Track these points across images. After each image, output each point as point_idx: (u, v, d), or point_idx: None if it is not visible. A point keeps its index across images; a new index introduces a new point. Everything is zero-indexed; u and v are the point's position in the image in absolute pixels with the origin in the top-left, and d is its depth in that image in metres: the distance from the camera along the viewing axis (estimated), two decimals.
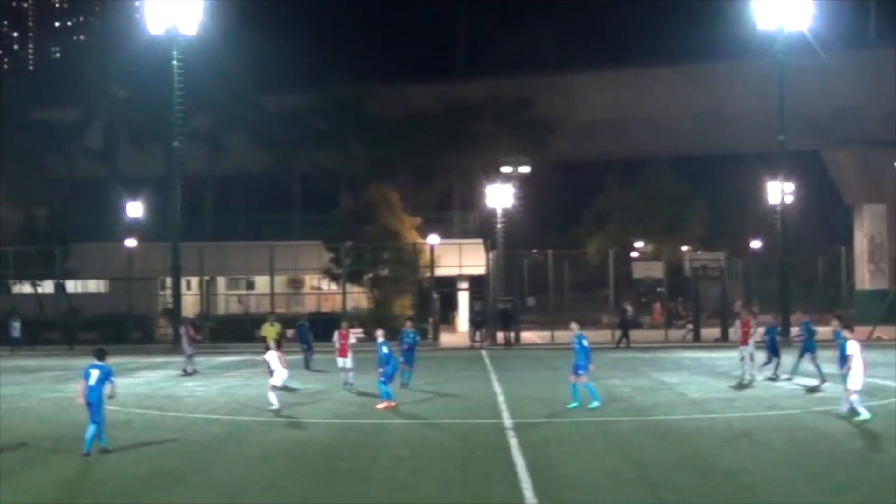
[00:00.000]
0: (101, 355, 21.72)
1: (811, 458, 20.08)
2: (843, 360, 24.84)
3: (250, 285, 73.79)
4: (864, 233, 77.86)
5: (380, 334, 29.55)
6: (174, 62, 55.25)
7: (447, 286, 68.80)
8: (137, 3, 66.38)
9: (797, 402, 29.03)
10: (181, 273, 58.57)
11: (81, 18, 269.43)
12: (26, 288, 66.92)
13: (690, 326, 61.16)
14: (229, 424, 25.80)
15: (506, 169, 66.51)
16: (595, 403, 27.10)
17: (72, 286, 67.69)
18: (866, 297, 71.63)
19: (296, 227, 72.72)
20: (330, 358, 34.36)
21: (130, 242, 64.05)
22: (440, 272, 64.68)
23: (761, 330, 36.56)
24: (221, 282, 73.20)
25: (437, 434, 24.11)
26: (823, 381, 32.45)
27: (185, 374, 40.25)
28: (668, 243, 79.38)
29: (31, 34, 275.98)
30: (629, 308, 59.84)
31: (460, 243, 67.35)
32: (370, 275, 63.98)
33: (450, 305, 72.77)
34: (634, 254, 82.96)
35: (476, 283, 67.84)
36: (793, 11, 53.93)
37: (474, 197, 72.35)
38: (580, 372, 27.40)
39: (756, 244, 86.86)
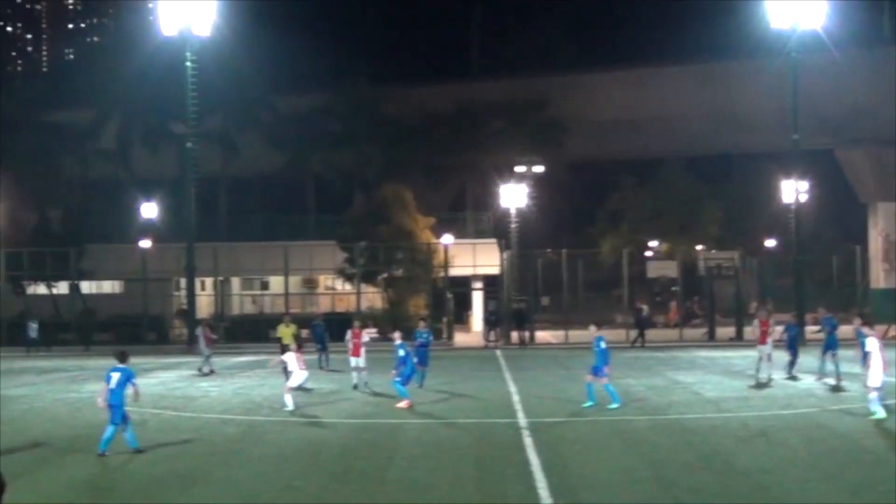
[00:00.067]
0: (122, 358, 21.79)
1: (827, 456, 20.05)
2: (866, 357, 24.82)
3: (265, 286, 73.82)
4: (879, 231, 77.59)
5: (397, 336, 29.49)
6: (188, 63, 55.26)
7: (461, 286, 68.78)
8: (151, 5, 66.58)
9: (812, 400, 28.97)
10: (195, 273, 58.70)
11: (95, 20, 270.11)
12: (41, 289, 67.01)
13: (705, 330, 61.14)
14: (244, 425, 25.84)
15: (520, 169, 66.59)
16: (614, 405, 27.06)
17: (86, 287, 67.76)
18: (881, 296, 71.30)
19: (310, 228, 72.77)
20: (345, 357, 34.37)
21: (145, 243, 64.20)
22: (454, 272, 64.63)
23: (779, 328, 36.46)
24: (236, 282, 73.27)
25: (452, 434, 24.12)
26: (840, 380, 32.36)
27: (202, 374, 40.36)
28: (682, 242, 79.09)
29: (44, 36, 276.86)
30: (645, 307, 59.73)
31: (474, 243, 67.26)
32: (384, 275, 63.94)
33: (464, 305, 72.72)
34: (648, 253, 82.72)
35: (490, 282, 67.77)
36: (806, 10, 53.77)
37: (488, 197, 72.27)
38: (598, 374, 27.41)
39: (770, 243, 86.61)
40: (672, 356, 47.67)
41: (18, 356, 52.40)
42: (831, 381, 32.64)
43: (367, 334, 34.61)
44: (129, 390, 21.43)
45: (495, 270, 65.63)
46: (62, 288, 66.95)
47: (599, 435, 23.34)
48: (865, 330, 25.32)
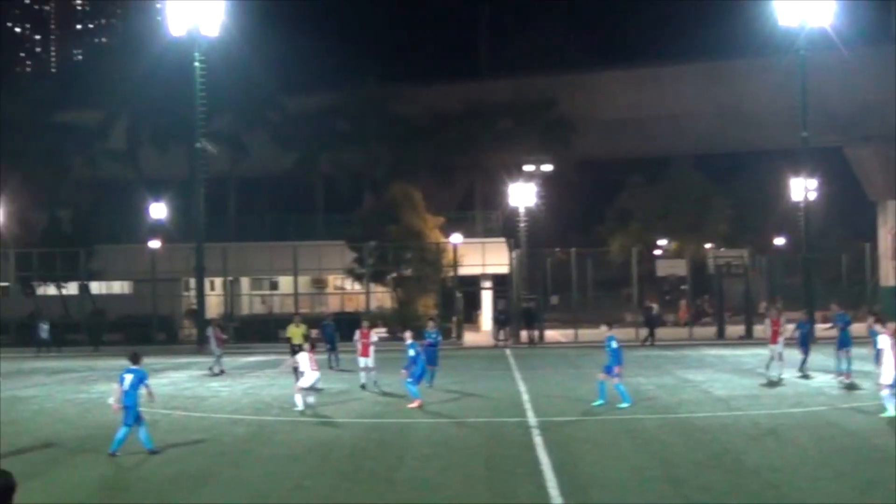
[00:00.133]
0: (135, 359, 21.82)
1: (837, 454, 20.01)
2: (878, 355, 24.83)
3: (274, 285, 73.97)
4: (888, 229, 77.49)
5: (408, 336, 29.54)
6: (196, 63, 55.36)
7: (470, 285, 68.85)
8: (159, 5, 66.45)
9: (823, 398, 28.92)
10: (205, 274, 58.78)
11: (103, 21, 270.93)
12: (51, 290, 67.19)
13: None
14: (254, 425, 25.86)
15: (528, 168, 66.65)
16: (625, 404, 27.03)
17: (96, 288, 67.97)
18: (891, 294, 71.13)
19: (319, 227, 72.89)
20: (354, 357, 34.37)
21: (154, 243, 64.34)
22: (463, 271, 64.69)
23: (790, 326, 36.42)
24: (245, 282, 73.41)
25: (462, 433, 24.11)
26: (849, 377, 32.34)
27: (213, 374, 40.42)
28: (691, 241, 79.16)
29: (53, 37, 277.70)
30: (654, 306, 59.72)
31: (483, 242, 67.36)
32: (394, 274, 63.97)
33: (473, 304, 72.75)
34: (657, 252, 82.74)
35: (499, 281, 67.85)
36: (815, 7, 53.70)
37: (497, 196, 72.25)
38: (610, 373, 27.42)
39: (780, 241, 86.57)
40: (682, 354, 47.67)
41: (29, 357, 52.52)
42: (844, 379, 32.60)
43: (376, 334, 34.58)
44: (143, 391, 21.47)
45: (504, 269, 65.71)
46: (72, 288, 67.15)
47: (609, 434, 23.31)
48: (878, 328, 25.33)
